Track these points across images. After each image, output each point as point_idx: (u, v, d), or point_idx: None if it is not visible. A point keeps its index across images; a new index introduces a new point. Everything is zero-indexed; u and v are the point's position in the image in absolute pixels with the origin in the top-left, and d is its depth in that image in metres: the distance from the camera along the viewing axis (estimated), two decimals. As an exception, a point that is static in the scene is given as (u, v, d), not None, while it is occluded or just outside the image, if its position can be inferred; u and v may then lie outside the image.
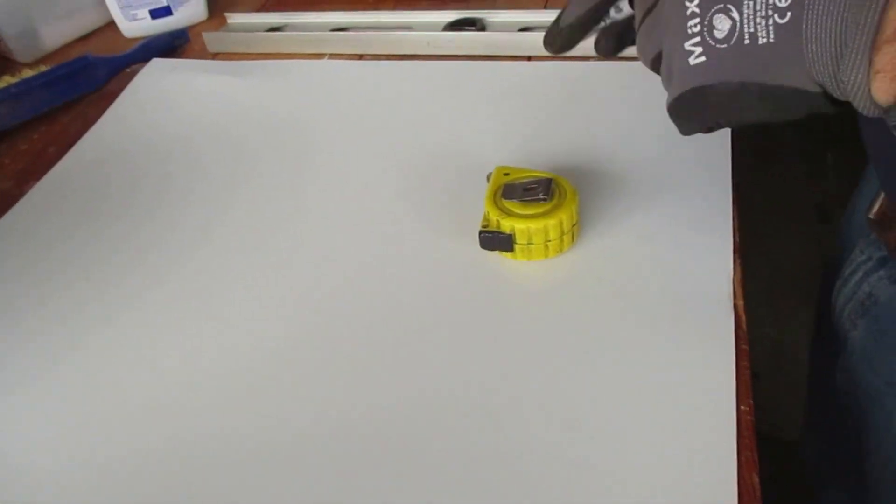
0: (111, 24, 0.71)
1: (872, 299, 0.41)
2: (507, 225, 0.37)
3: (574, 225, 0.38)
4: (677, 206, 0.41)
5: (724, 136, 0.44)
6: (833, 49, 0.24)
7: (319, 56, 0.62)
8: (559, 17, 0.34)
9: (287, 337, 0.37)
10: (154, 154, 0.52)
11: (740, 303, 0.35)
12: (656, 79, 0.31)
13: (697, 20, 0.27)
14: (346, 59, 0.62)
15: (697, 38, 0.27)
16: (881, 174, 0.39)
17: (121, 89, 0.60)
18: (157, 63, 0.63)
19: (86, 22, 0.72)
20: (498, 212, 0.38)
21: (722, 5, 0.26)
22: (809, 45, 0.25)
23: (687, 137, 0.32)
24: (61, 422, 0.34)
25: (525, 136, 0.48)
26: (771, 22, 0.25)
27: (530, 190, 0.38)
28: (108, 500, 0.31)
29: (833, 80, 0.25)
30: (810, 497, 0.56)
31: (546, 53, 0.59)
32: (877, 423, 0.42)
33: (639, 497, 0.28)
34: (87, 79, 0.61)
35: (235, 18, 0.69)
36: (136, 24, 0.70)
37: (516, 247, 0.38)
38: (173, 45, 0.67)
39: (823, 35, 0.24)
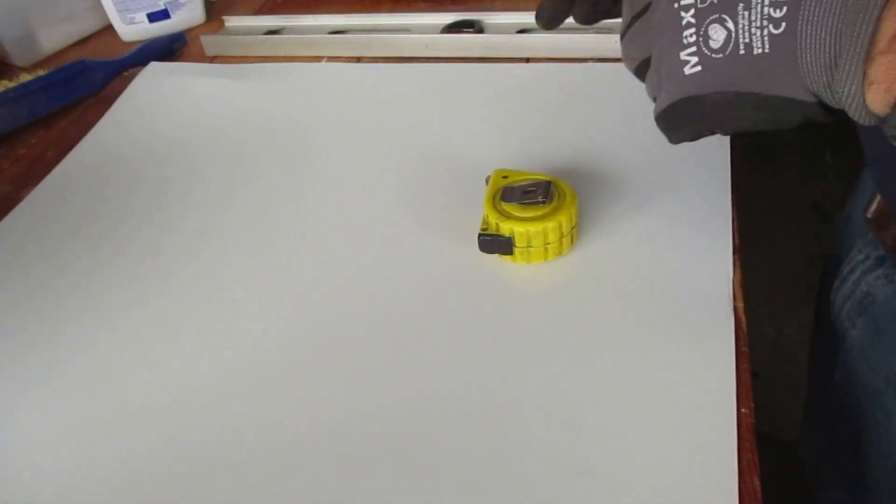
0: (109, 28, 0.71)
1: (870, 298, 0.41)
2: (506, 228, 0.37)
3: (573, 227, 0.38)
4: (676, 207, 0.41)
5: (722, 137, 0.44)
6: (827, 59, 0.25)
7: (318, 59, 0.62)
8: None
9: (287, 339, 0.37)
10: (152, 157, 0.52)
11: (740, 304, 0.35)
12: None
13: (693, 30, 0.27)
14: (345, 61, 0.62)
15: (693, 48, 0.27)
16: (877, 175, 0.39)
17: (119, 93, 0.60)
18: (154, 67, 0.63)
19: (83, 26, 0.72)
20: (497, 215, 0.38)
21: (717, 16, 0.26)
22: (804, 56, 0.25)
23: None
24: (61, 424, 0.34)
25: (523, 138, 0.48)
26: (766, 32, 0.25)
27: (529, 192, 0.38)
28: (110, 501, 0.31)
29: (828, 89, 0.25)
30: (810, 497, 0.56)
31: (544, 55, 0.59)
32: (876, 421, 0.42)
33: (639, 500, 0.28)
34: (85, 83, 0.61)
35: (233, 21, 0.69)
36: (133, 28, 0.70)
37: (516, 250, 0.38)
38: (171, 48, 0.67)
39: (818, 46, 0.25)
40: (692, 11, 0.27)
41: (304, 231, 0.43)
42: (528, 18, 0.61)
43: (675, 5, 0.28)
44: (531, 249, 0.37)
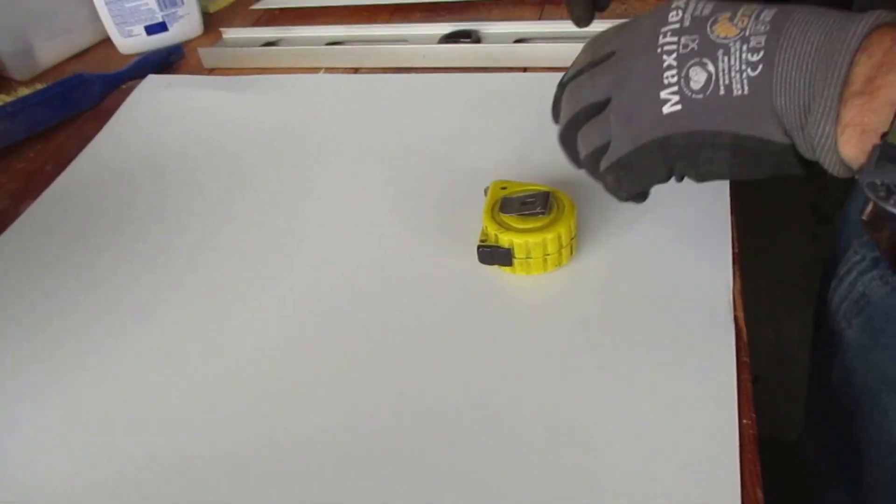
0: (106, 41, 0.71)
1: (866, 299, 0.41)
2: (505, 239, 0.37)
3: (573, 238, 0.38)
4: (676, 216, 0.41)
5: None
6: (802, 102, 0.26)
7: (315, 70, 0.62)
8: None
9: (287, 348, 0.37)
10: (151, 170, 0.52)
11: (740, 314, 0.35)
12: None
13: (674, 71, 0.28)
14: (342, 72, 0.62)
15: (674, 88, 0.28)
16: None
17: (117, 106, 0.60)
18: (152, 79, 0.63)
19: (81, 39, 0.72)
20: (496, 226, 0.38)
21: (698, 59, 0.28)
22: (778, 98, 0.26)
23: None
24: (62, 434, 0.34)
25: (522, 148, 0.48)
26: (745, 76, 0.27)
27: (528, 204, 0.38)
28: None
29: (801, 132, 0.26)
30: (810, 497, 0.56)
31: (542, 65, 0.59)
32: (874, 420, 0.42)
33: (642, 512, 0.28)
34: (82, 96, 0.61)
35: (231, 33, 0.69)
36: (131, 41, 0.70)
37: (515, 261, 0.38)
38: (169, 60, 0.67)
39: (792, 88, 0.26)
40: (674, 55, 0.28)
41: (303, 243, 0.44)
42: (525, 28, 0.61)
43: (658, 50, 0.29)
44: (530, 260, 0.37)
